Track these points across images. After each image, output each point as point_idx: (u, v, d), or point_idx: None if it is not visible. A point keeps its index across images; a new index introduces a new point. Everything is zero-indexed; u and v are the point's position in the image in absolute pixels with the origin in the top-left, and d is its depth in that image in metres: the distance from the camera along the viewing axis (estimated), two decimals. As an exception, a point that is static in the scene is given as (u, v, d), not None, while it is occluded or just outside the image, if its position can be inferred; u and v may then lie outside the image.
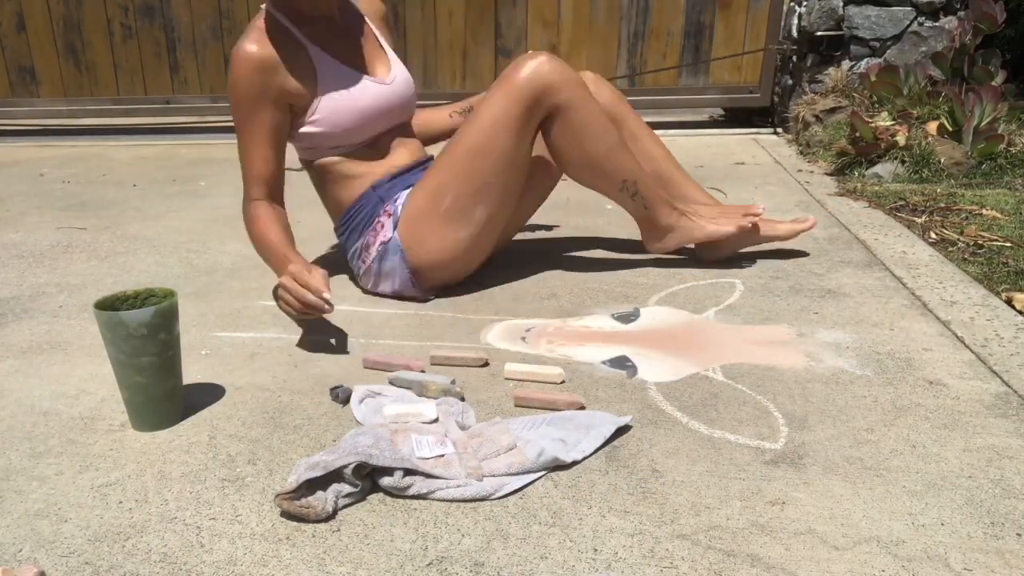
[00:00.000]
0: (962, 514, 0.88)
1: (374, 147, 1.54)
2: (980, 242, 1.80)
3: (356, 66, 1.51)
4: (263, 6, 1.46)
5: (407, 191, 1.52)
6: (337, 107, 1.46)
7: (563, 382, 1.19)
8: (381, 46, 1.59)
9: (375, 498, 0.93)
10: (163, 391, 1.07)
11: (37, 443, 1.06)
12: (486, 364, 1.26)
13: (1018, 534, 0.85)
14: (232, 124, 1.46)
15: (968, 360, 1.24)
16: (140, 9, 3.48)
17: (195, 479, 0.97)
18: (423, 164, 1.59)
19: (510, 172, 1.49)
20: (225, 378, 1.24)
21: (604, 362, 1.27)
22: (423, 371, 1.24)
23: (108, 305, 1.07)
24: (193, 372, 1.25)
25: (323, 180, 1.56)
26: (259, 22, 1.43)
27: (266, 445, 1.05)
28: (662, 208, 1.61)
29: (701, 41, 3.41)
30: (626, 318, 1.45)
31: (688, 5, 3.34)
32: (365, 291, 1.60)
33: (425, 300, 1.54)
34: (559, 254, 1.79)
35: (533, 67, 1.43)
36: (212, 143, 3.39)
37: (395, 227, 1.50)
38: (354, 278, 1.66)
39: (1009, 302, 1.46)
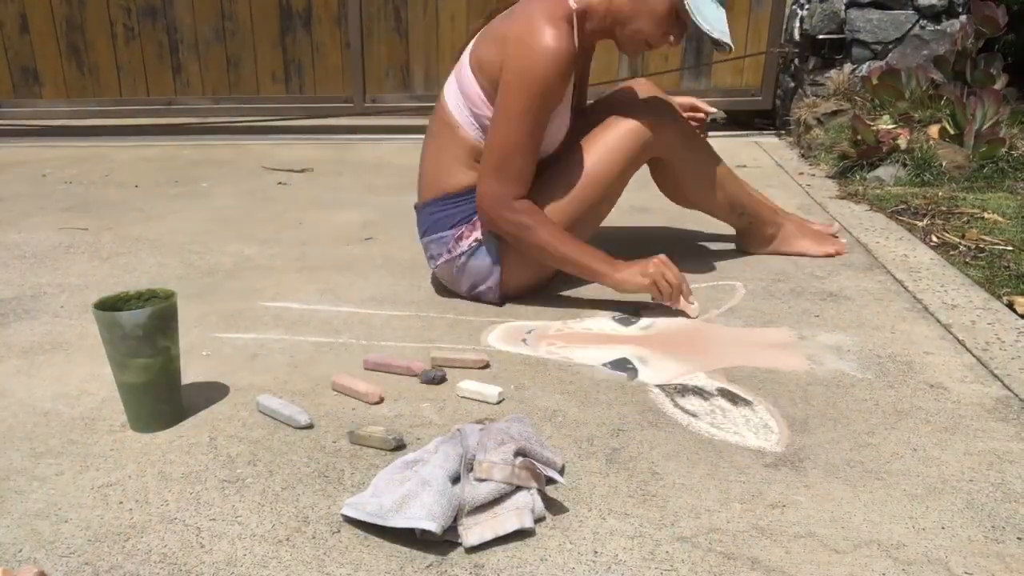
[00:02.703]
0: (963, 518, 0.88)
1: None
2: (981, 245, 1.79)
3: (571, 96, 1.51)
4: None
5: None
6: (553, 126, 1.46)
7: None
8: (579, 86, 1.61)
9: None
10: (160, 392, 1.07)
11: (38, 443, 1.06)
12: (487, 366, 1.26)
13: (1019, 538, 0.85)
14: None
15: (969, 364, 1.24)
16: (143, 10, 3.48)
17: (195, 480, 0.97)
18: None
19: (612, 201, 1.58)
20: (226, 379, 1.24)
21: (605, 364, 1.27)
22: (423, 372, 1.24)
23: (109, 306, 1.07)
24: (194, 373, 1.25)
25: (463, 156, 1.48)
26: (563, 14, 1.37)
27: (266, 446, 1.05)
28: (767, 226, 1.76)
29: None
30: (627, 320, 1.45)
31: (690, 8, 3.34)
32: (439, 281, 1.60)
33: (500, 304, 1.53)
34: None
35: (646, 117, 1.52)
36: (214, 144, 3.39)
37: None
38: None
39: (1010, 305, 1.46)
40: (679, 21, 1.41)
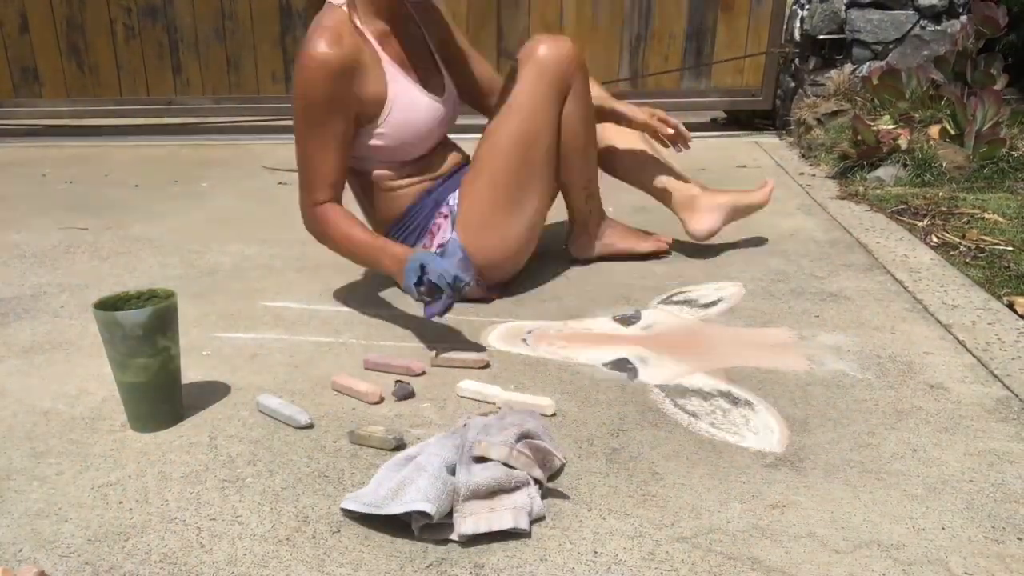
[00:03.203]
0: (963, 518, 0.88)
1: (423, 158, 1.52)
2: (982, 246, 1.79)
3: (419, 80, 1.47)
4: (333, 1, 1.40)
5: (455, 192, 1.52)
6: (403, 123, 1.43)
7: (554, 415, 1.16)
8: (434, 56, 1.55)
9: (375, 499, 0.93)
10: (160, 392, 1.07)
11: (38, 443, 1.06)
12: (487, 366, 1.26)
13: (1019, 538, 0.85)
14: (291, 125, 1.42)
15: (969, 364, 1.24)
16: (143, 10, 3.48)
17: (195, 480, 0.97)
18: (466, 164, 1.59)
19: (552, 155, 1.54)
20: (226, 379, 1.24)
21: (605, 364, 1.27)
22: (423, 372, 1.24)
23: (110, 305, 1.07)
24: (194, 373, 1.25)
25: (369, 191, 1.52)
26: (330, 20, 1.36)
27: (266, 446, 1.05)
28: (596, 218, 1.71)
29: (703, 44, 3.41)
30: (627, 320, 1.45)
31: (690, 8, 3.34)
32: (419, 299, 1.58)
33: (489, 300, 1.53)
34: (561, 256, 1.79)
35: (555, 47, 1.48)
36: (214, 144, 3.39)
37: (453, 226, 1.50)
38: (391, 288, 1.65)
39: (1011, 306, 1.46)
40: None
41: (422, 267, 1.24)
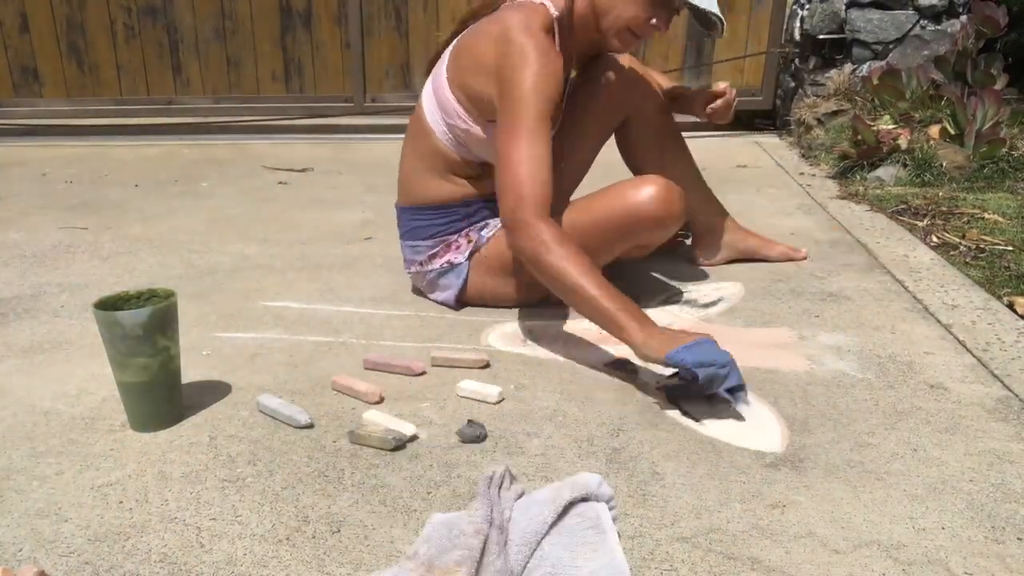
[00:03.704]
0: (963, 518, 0.88)
1: (489, 170, 1.46)
2: (982, 246, 1.79)
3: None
4: (544, 2, 1.35)
5: (494, 221, 1.48)
6: None
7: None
8: (562, 102, 1.51)
9: (375, 499, 0.93)
10: (160, 392, 1.07)
11: (38, 443, 1.06)
12: (487, 366, 1.26)
13: (1019, 538, 0.85)
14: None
15: (969, 364, 1.24)
16: (143, 10, 3.49)
17: (195, 479, 0.97)
18: None
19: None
20: (226, 379, 1.24)
21: (605, 364, 1.27)
22: (423, 372, 1.24)
23: (110, 305, 1.07)
24: (194, 372, 1.25)
25: (438, 166, 1.46)
26: (542, 21, 1.32)
27: (266, 446, 1.05)
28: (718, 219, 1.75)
29: (703, 44, 3.41)
30: (627, 320, 1.45)
31: (690, 8, 3.34)
32: (415, 287, 1.60)
33: (457, 309, 1.52)
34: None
35: (662, 214, 1.36)
36: (214, 144, 3.39)
37: (469, 257, 1.48)
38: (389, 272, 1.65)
39: (1011, 306, 1.46)
40: (664, 3, 1.36)
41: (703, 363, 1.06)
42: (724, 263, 1.74)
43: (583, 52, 1.51)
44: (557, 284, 1.22)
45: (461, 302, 1.52)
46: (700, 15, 1.38)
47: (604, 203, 1.39)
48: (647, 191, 1.36)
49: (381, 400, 1.15)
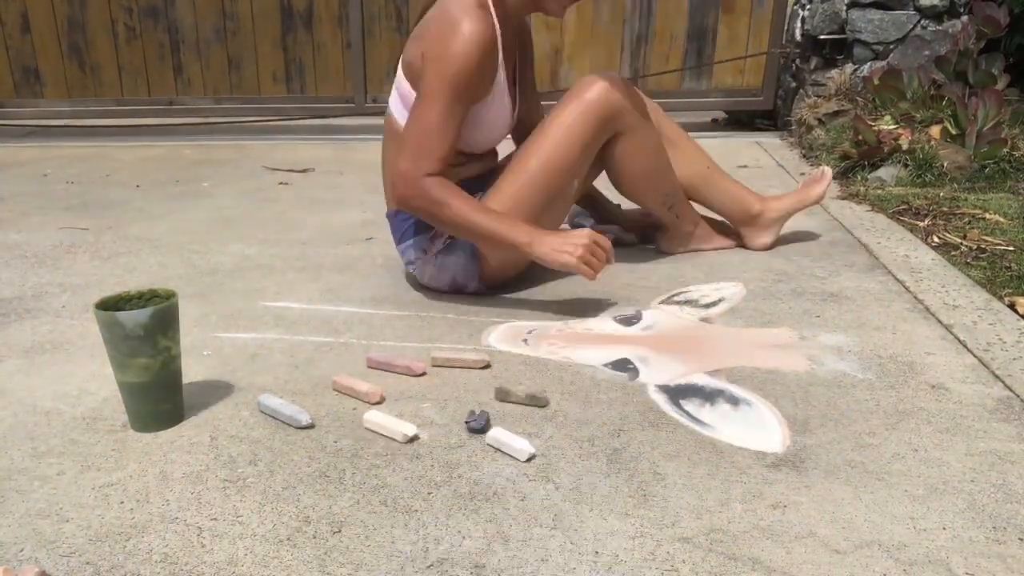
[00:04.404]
0: (964, 518, 0.88)
1: (470, 156, 1.54)
2: (983, 246, 1.79)
3: (509, 90, 1.51)
4: None
5: (479, 195, 1.52)
6: (486, 118, 1.46)
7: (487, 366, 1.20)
8: (515, 70, 1.57)
9: (376, 499, 0.93)
10: (161, 392, 1.07)
11: (39, 443, 1.06)
12: (488, 366, 1.26)
13: (1020, 538, 0.85)
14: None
15: (970, 364, 1.24)
16: (144, 10, 3.49)
17: (196, 479, 0.97)
18: (491, 174, 1.59)
19: (574, 184, 1.57)
20: (227, 379, 1.24)
21: (606, 365, 1.27)
22: (424, 372, 1.24)
23: (111, 305, 1.07)
24: (195, 373, 1.25)
25: None
26: (478, 1, 1.37)
27: (267, 446, 1.05)
28: (687, 220, 1.79)
29: (704, 44, 3.41)
30: (628, 321, 1.45)
31: (691, 8, 3.34)
32: (421, 285, 1.60)
33: (488, 293, 1.55)
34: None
35: (605, 90, 1.50)
36: (215, 144, 3.39)
37: None
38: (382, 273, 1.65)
39: (1012, 306, 1.46)
40: None
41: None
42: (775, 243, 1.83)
43: (520, 13, 1.51)
44: (455, 232, 1.43)
45: (485, 279, 1.53)
46: None
47: (560, 118, 1.51)
48: (586, 81, 1.51)
49: (382, 400, 1.15)
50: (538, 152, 1.50)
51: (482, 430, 1.06)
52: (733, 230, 1.84)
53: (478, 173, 1.57)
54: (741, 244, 1.84)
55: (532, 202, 1.50)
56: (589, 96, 1.50)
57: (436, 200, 1.38)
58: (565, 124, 1.50)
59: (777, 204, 1.79)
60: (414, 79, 1.43)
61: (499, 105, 1.49)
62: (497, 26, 1.39)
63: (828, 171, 1.82)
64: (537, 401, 1.13)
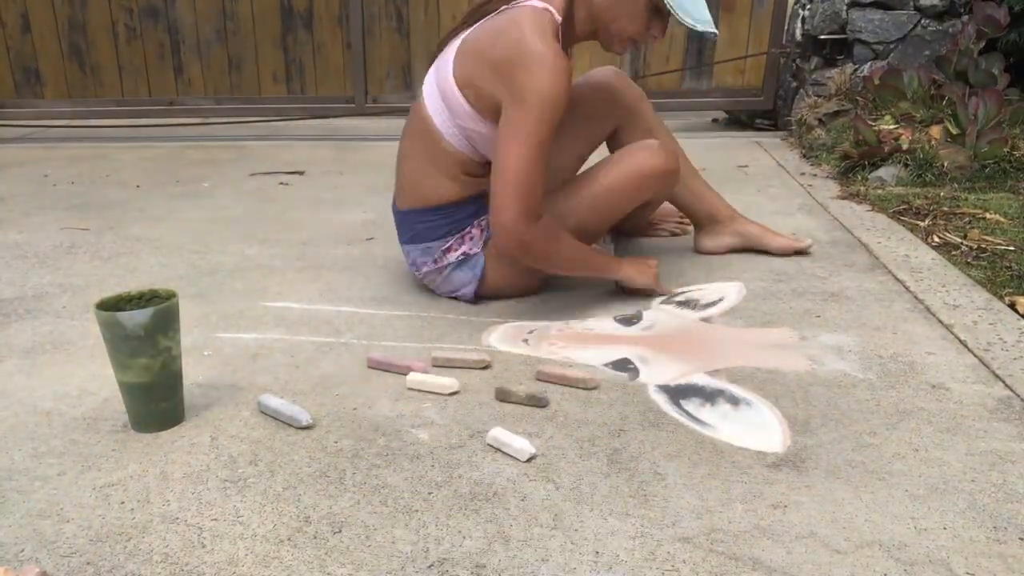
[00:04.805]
0: (965, 518, 0.88)
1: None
2: (983, 246, 1.79)
3: None
4: (548, 8, 1.36)
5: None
6: None
7: (454, 393, 1.17)
8: None
9: (376, 499, 0.93)
10: (161, 392, 1.07)
11: (39, 443, 1.06)
12: (488, 366, 1.26)
13: (1021, 538, 0.85)
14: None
15: (971, 364, 1.24)
16: (144, 11, 3.49)
17: (197, 480, 0.97)
18: None
19: (600, 234, 1.63)
20: (227, 379, 1.24)
21: (606, 365, 1.27)
22: (426, 372, 1.24)
23: (111, 305, 1.07)
24: (195, 373, 1.25)
25: (449, 167, 1.45)
26: (549, 25, 1.34)
27: (268, 446, 1.05)
28: (720, 212, 1.81)
29: (704, 44, 3.41)
30: (628, 321, 1.45)
31: (691, 8, 3.34)
32: (421, 285, 1.60)
33: (475, 302, 1.54)
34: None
35: (665, 168, 1.55)
36: (215, 144, 3.39)
37: (484, 245, 1.50)
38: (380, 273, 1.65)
39: (1012, 306, 1.46)
40: (659, 14, 1.40)
41: None
42: (727, 252, 1.79)
43: (574, 43, 1.51)
44: (566, 268, 1.47)
45: (479, 295, 1.53)
46: (695, 32, 1.44)
47: (613, 168, 1.53)
48: (651, 148, 1.54)
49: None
50: (580, 194, 1.52)
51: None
52: (788, 235, 1.83)
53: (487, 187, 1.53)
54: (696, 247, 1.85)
55: (584, 224, 1.53)
56: (651, 168, 1.54)
57: (553, 238, 1.40)
58: (613, 185, 1.52)
59: (746, 224, 1.80)
60: (478, 98, 1.37)
61: None
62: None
63: (808, 245, 1.79)
64: (537, 401, 1.13)
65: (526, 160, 1.31)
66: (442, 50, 1.47)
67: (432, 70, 1.47)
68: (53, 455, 1.03)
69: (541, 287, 1.58)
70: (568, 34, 1.43)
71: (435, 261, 1.52)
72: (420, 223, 1.51)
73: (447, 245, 1.50)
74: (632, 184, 1.53)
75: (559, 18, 1.37)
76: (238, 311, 1.52)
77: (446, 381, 1.17)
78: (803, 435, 1.05)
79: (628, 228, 1.91)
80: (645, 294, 1.57)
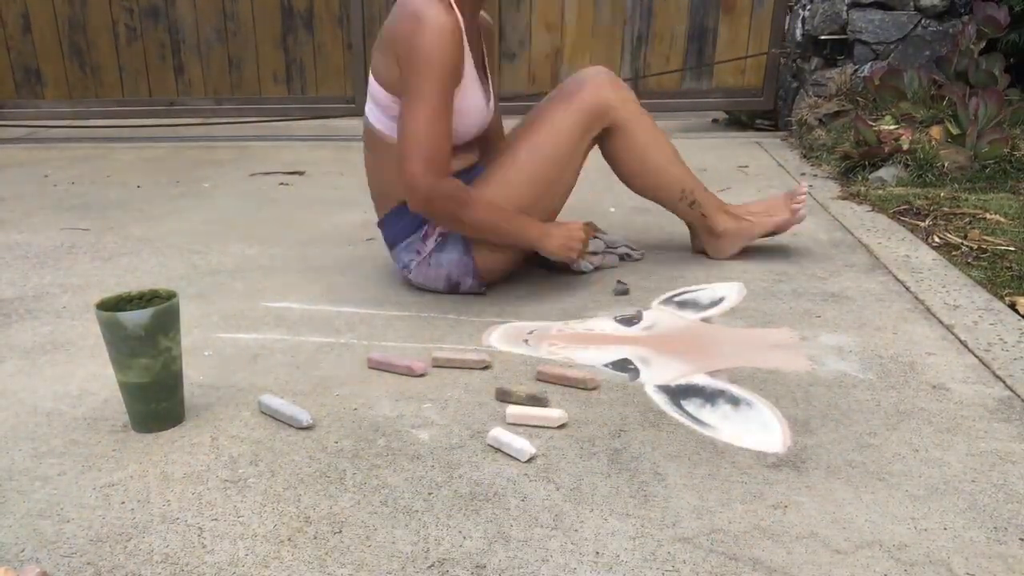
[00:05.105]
0: (965, 519, 0.88)
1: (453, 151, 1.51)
2: (984, 246, 1.79)
3: (480, 80, 1.50)
4: None
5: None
6: (459, 110, 1.43)
7: (563, 426, 1.09)
8: (484, 62, 1.57)
9: (377, 499, 0.93)
10: (162, 393, 1.07)
11: (40, 443, 1.06)
12: (488, 367, 1.26)
13: (1021, 539, 0.85)
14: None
15: (971, 364, 1.24)
16: (145, 11, 3.49)
17: (197, 480, 0.97)
18: (477, 167, 1.59)
19: (569, 176, 1.59)
20: (228, 379, 1.24)
21: (606, 365, 1.27)
22: (425, 373, 1.24)
23: (112, 306, 1.07)
24: (195, 373, 1.25)
25: (390, 163, 1.47)
26: None
27: (268, 446, 1.05)
28: (718, 215, 1.72)
29: (704, 44, 3.41)
30: (629, 321, 1.45)
31: (692, 8, 3.34)
32: (415, 285, 1.59)
33: (481, 293, 1.55)
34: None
35: (594, 86, 1.54)
36: (216, 145, 3.39)
37: None
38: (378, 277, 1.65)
39: (1013, 306, 1.46)
40: None
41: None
42: (738, 253, 1.77)
43: (475, 22, 1.51)
44: (473, 233, 1.46)
45: (481, 276, 1.53)
46: None
47: (548, 113, 1.54)
48: (583, 78, 1.55)
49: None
50: (529, 144, 1.52)
51: (625, 292, 1.34)
52: (768, 207, 1.77)
53: (462, 167, 1.54)
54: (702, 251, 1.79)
55: (522, 191, 1.51)
56: (577, 93, 1.53)
57: (460, 201, 1.40)
58: (553, 119, 1.52)
59: (741, 218, 1.74)
60: (390, 85, 1.41)
61: (472, 94, 1.47)
62: (459, 14, 1.38)
63: (802, 189, 1.74)
64: (537, 401, 1.13)
65: (422, 119, 1.35)
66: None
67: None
68: (53, 455, 1.03)
69: (543, 273, 1.58)
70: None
71: (419, 252, 1.53)
72: (397, 223, 1.54)
73: (423, 232, 1.52)
74: (565, 119, 1.52)
75: None
76: (238, 311, 1.52)
77: (554, 414, 1.08)
78: (803, 435, 1.05)
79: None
80: (564, 266, 1.58)
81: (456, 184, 1.40)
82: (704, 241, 1.77)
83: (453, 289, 1.56)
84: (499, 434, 1.03)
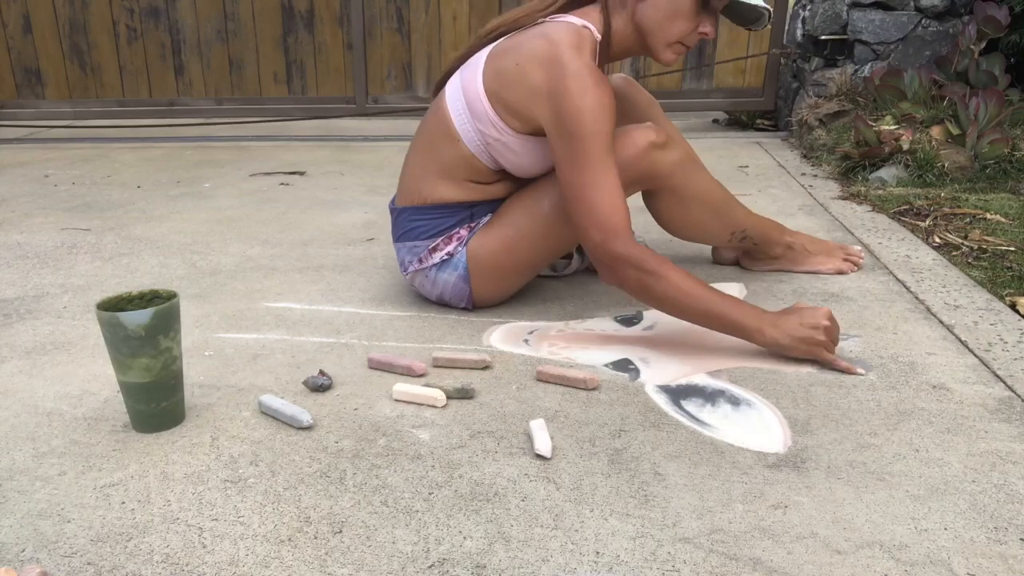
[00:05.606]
0: (965, 519, 0.88)
1: (503, 177, 1.47)
2: (984, 246, 1.79)
3: None
4: (587, 25, 1.32)
5: (488, 216, 1.48)
6: (543, 153, 1.40)
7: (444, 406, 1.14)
8: None
9: (377, 499, 0.93)
10: (162, 393, 1.07)
11: (40, 443, 1.06)
12: (488, 367, 1.26)
13: (1021, 539, 0.85)
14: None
15: (972, 364, 1.24)
16: (145, 11, 3.49)
17: (197, 480, 0.97)
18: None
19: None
20: (228, 379, 1.24)
21: (606, 365, 1.27)
22: (425, 373, 1.24)
23: (112, 306, 1.07)
24: (196, 373, 1.25)
25: (459, 171, 1.43)
26: (587, 42, 1.30)
27: (268, 446, 1.05)
28: (772, 246, 1.65)
29: (704, 44, 3.41)
30: (629, 321, 1.45)
31: (692, 8, 3.34)
32: (411, 286, 1.57)
33: (469, 309, 1.52)
34: (562, 257, 1.79)
35: (643, 151, 1.39)
36: (216, 145, 3.40)
37: (465, 244, 1.46)
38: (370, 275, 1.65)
39: (1013, 306, 1.46)
40: (708, 9, 1.34)
41: None
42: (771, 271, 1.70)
43: (616, 60, 1.48)
44: (670, 308, 1.28)
45: (474, 303, 1.50)
46: (744, 9, 1.36)
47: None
48: (636, 132, 1.39)
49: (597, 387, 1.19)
50: (555, 200, 1.40)
51: (320, 388, 1.19)
52: (839, 251, 1.70)
53: (503, 195, 1.49)
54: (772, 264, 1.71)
55: (534, 247, 1.44)
56: (624, 154, 1.37)
57: (651, 271, 1.26)
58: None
59: (806, 238, 1.69)
60: (508, 112, 1.34)
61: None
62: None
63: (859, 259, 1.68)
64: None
65: (595, 186, 1.26)
66: (465, 58, 1.44)
67: (457, 74, 1.43)
68: (54, 455, 1.03)
69: (524, 282, 1.52)
70: (606, 51, 1.38)
71: (420, 261, 1.49)
72: (412, 221, 1.49)
73: (433, 244, 1.47)
74: (636, 174, 1.39)
75: (598, 36, 1.34)
76: (239, 311, 1.52)
77: (437, 394, 1.14)
78: (803, 435, 1.05)
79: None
80: (564, 266, 1.48)
81: (651, 254, 1.27)
82: (741, 257, 1.72)
83: (442, 303, 1.53)
84: (536, 426, 1.05)
